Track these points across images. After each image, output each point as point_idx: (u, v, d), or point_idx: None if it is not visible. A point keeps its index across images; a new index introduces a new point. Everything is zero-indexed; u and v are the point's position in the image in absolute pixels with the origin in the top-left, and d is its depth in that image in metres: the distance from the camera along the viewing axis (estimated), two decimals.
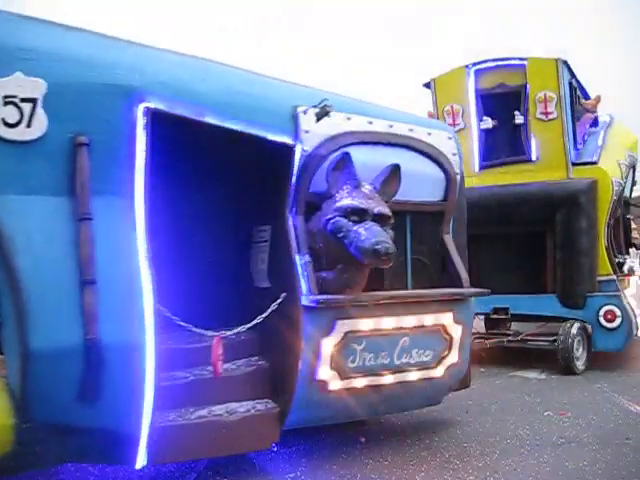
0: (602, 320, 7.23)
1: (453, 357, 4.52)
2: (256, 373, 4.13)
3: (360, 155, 4.15)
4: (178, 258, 4.34)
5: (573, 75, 8.03)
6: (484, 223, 7.74)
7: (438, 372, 4.49)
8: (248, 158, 4.23)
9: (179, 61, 3.75)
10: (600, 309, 7.24)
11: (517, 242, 7.95)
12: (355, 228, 3.80)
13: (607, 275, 7.49)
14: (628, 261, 8.30)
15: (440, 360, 4.47)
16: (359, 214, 3.85)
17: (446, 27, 29.14)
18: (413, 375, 4.37)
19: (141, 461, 3.43)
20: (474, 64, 8.04)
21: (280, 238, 4.06)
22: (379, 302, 4.12)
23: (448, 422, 5.28)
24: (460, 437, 4.85)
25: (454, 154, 4.70)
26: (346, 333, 4.01)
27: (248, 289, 4.45)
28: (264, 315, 3.98)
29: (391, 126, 4.40)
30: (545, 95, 7.58)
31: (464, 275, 4.61)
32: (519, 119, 7.86)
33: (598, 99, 8.21)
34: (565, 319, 7.38)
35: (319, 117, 3.88)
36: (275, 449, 4.43)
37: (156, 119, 3.43)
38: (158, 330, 3.34)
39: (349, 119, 4.22)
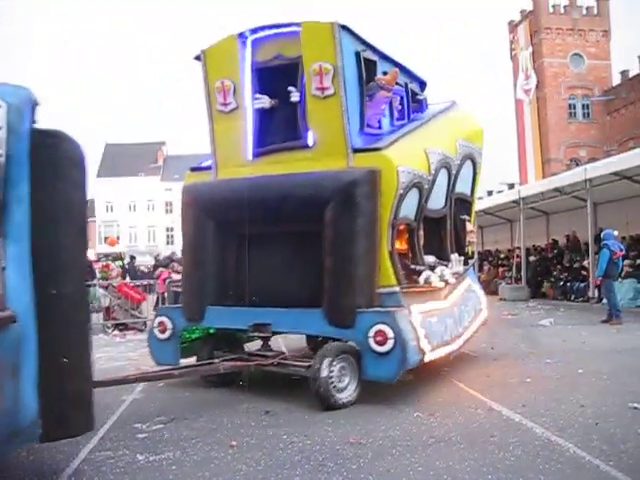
0: (371, 342, 5.75)
1: None
2: None
3: None
4: None
5: (368, 45, 6.65)
6: (252, 221, 6.44)
7: None
8: None
9: None
10: (370, 329, 5.78)
11: (287, 245, 6.52)
12: None
13: (389, 287, 6.09)
14: (437, 270, 6.84)
15: None
16: None
17: (445, 27, 28.37)
18: None
19: None
20: (251, 32, 6.69)
21: None
22: None
23: (319, 424, 5.18)
24: (333, 440, 4.74)
25: None
26: None
27: None
28: None
29: None
30: (320, 67, 6.20)
31: None
32: (295, 96, 6.51)
33: (394, 74, 6.76)
34: (334, 340, 6.00)
35: None
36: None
37: None
38: None
39: None
